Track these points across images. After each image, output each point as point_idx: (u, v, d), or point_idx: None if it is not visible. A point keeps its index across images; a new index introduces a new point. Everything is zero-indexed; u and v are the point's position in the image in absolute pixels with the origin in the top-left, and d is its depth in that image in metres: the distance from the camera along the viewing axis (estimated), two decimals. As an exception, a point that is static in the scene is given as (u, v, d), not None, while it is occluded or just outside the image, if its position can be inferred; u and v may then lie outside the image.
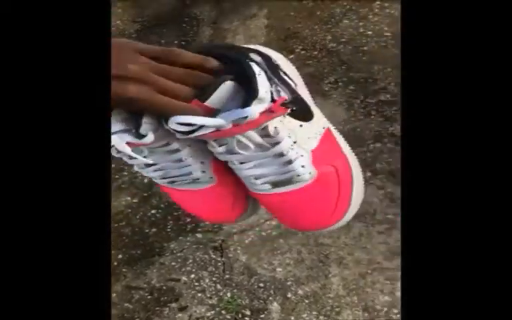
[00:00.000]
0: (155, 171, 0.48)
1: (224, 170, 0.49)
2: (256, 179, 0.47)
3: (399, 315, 1.21)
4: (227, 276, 1.35)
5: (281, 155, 0.45)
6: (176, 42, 2.14)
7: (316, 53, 2.00)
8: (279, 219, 0.52)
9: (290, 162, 0.46)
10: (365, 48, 1.98)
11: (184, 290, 1.34)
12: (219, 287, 1.33)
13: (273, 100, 0.42)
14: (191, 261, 1.40)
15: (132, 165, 0.48)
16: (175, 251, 1.43)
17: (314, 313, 1.24)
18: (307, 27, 2.14)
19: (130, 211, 1.55)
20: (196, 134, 0.42)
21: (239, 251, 1.40)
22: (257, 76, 0.42)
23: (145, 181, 1.60)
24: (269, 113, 0.42)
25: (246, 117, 0.41)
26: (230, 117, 0.41)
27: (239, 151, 0.44)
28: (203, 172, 0.49)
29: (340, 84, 1.85)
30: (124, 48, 0.40)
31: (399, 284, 1.27)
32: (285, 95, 0.44)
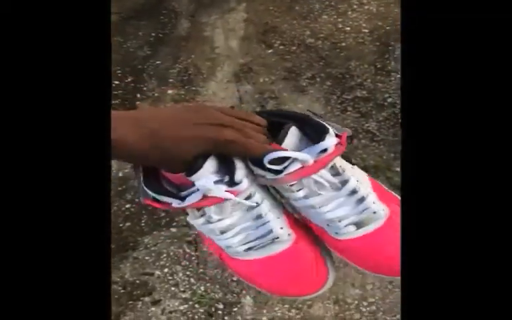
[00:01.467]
0: (235, 235, 0.48)
1: (297, 225, 0.50)
2: (339, 221, 0.48)
3: (368, 308, 1.23)
4: (201, 270, 1.34)
5: (354, 192, 0.48)
6: (153, 34, 2.12)
7: (294, 48, 2.00)
8: (361, 264, 0.50)
9: (363, 199, 0.48)
10: (343, 44, 1.99)
11: (157, 284, 1.33)
12: (192, 280, 1.33)
13: (337, 135, 0.46)
14: (165, 255, 1.39)
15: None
16: (148, 246, 1.42)
17: (286, 306, 1.25)
18: (285, 21, 2.14)
19: (104, 204, 1.53)
20: (284, 173, 0.44)
21: (213, 245, 1.39)
22: (319, 119, 0.47)
23: (120, 174, 1.58)
24: (339, 146, 0.46)
25: (325, 150, 0.45)
26: (312, 151, 0.45)
27: (318, 192, 0.47)
28: (281, 228, 0.49)
29: (317, 79, 1.85)
30: (208, 108, 0.46)
31: (370, 277, 1.29)
32: (345, 131, 0.48)
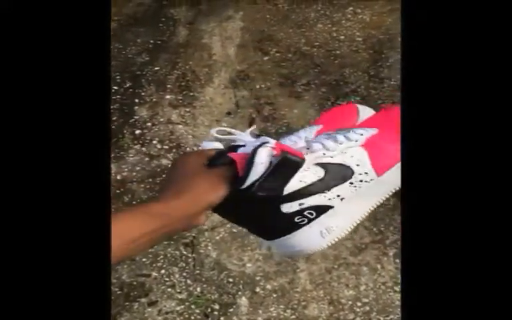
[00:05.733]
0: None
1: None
2: None
3: (362, 308, 1.25)
4: (197, 271, 1.36)
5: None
6: (152, 41, 2.15)
7: (290, 55, 2.04)
8: None
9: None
10: (337, 52, 2.03)
11: (154, 285, 1.35)
12: (189, 282, 1.34)
13: None
14: (162, 256, 1.41)
15: None
16: (146, 247, 1.43)
17: (281, 306, 1.27)
18: (281, 30, 2.17)
19: (102, 207, 1.55)
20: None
21: (209, 247, 1.41)
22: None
23: (118, 177, 1.61)
24: None
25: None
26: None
27: (336, 143, 0.52)
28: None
29: (312, 86, 1.89)
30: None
31: (363, 278, 1.31)
32: None
